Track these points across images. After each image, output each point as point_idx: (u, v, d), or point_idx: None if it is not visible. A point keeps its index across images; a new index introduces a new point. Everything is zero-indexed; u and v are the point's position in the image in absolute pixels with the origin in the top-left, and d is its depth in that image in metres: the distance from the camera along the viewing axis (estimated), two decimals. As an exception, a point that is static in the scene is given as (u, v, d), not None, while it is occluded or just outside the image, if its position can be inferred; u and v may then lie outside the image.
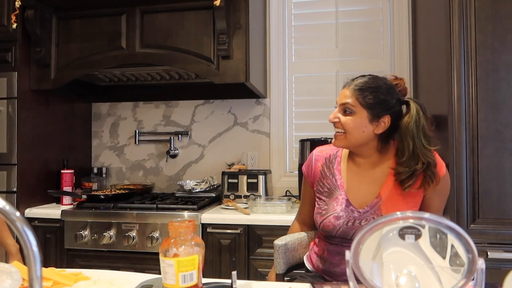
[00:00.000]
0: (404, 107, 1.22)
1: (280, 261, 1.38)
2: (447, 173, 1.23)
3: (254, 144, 2.57)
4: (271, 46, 2.56)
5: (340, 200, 1.25)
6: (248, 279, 1.88)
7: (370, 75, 1.23)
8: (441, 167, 1.20)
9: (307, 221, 1.47)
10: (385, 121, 1.18)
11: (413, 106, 1.18)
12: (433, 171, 1.15)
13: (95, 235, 1.99)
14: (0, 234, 1.54)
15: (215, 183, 2.42)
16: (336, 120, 1.21)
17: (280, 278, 1.39)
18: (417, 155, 1.14)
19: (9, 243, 1.52)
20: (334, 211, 1.24)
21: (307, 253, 1.45)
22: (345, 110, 1.20)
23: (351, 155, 1.30)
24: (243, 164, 2.50)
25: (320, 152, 1.38)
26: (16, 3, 2.09)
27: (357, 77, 1.23)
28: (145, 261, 1.97)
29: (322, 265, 1.32)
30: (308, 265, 1.41)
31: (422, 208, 1.23)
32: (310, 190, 1.39)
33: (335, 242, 1.28)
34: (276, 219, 1.87)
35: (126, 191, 2.33)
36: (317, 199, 1.35)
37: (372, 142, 1.22)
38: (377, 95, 1.17)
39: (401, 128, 1.17)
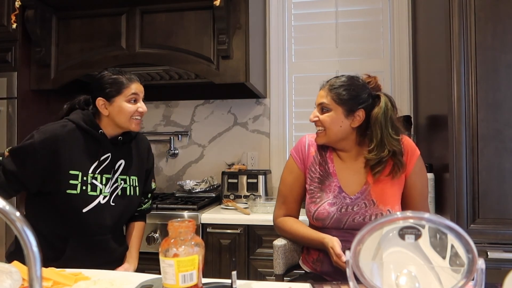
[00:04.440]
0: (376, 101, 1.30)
1: (279, 262, 1.38)
2: (420, 156, 1.32)
3: (254, 144, 2.57)
4: (271, 46, 2.56)
5: (332, 187, 1.30)
6: (248, 279, 1.88)
7: (342, 75, 1.32)
8: (414, 150, 1.30)
9: (294, 214, 1.41)
10: (360, 115, 1.26)
11: (382, 98, 1.27)
12: (400, 159, 1.25)
13: (95, 235, 1.99)
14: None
15: (215, 183, 2.42)
16: (316, 119, 1.31)
17: (279, 278, 1.39)
18: (384, 143, 1.23)
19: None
20: (327, 198, 1.29)
21: (301, 258, 1.45)
22: (322, 109, 1.29)
23: (335, 151, 1.36)
24: (243, 164, 2.50)
25: (313, 137, 1.40)
26: (16, 3, 2.09)
27: (331, 78, 1.33)
28: (145, 261, 1.96)
29: (320, 267, 1.33)
30: (305, 268, 1.41)
31: (407, 190, 1.30)
32: (300, 175, 1.37)
33: (328, 234, 1.26)
34: (276, 219, 1.87)
35: (126, 191, 2.33)
36: (308, 187, 1.35)
37: (350, 136, 1.30)
38: (349, 92, 1.26)
39: (371, 118, 1.25)
